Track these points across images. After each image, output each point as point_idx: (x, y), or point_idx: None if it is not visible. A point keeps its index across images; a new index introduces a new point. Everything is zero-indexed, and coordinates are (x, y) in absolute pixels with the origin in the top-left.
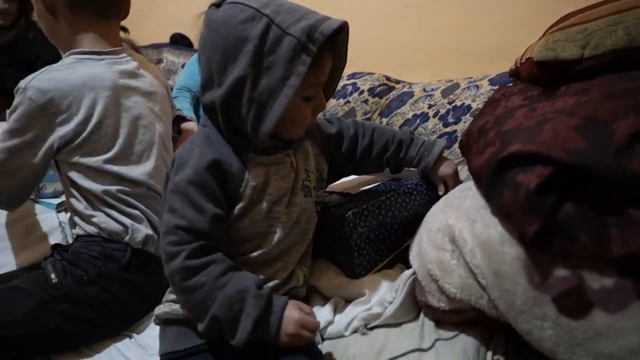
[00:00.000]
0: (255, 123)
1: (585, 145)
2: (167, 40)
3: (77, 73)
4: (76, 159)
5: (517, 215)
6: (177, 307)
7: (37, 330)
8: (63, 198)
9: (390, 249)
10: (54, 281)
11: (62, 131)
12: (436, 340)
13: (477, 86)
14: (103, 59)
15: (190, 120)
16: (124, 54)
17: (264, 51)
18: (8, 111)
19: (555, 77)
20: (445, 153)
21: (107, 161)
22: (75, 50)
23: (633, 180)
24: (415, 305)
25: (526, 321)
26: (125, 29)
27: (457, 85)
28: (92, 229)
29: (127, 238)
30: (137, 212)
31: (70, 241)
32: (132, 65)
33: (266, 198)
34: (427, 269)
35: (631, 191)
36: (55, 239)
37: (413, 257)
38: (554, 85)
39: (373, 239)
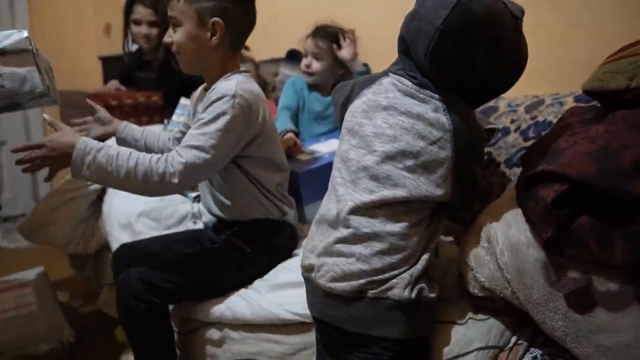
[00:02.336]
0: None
1: (595, 168)
2: (283, 54)
3: (255, 87)
4: (255, 152)
5: (537, 222)
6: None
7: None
8: (198, 192)
9: None
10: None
11: (253, 130)
12: (469, 318)
13: (561, 103)
14: (250, 76)
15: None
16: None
17: None
18: (206, 113)
19: (606, 104)
20: None
21: (274, 156)
22: (240, 70)
23: (635, 200)
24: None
25: (541, 312)
26: (247, 48)
27: (542, 102)
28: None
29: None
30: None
31: (200, 227)
32: None
33: None
34: (465, 260)
35: (635, 209)
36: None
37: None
38: (608, 109)
39: None
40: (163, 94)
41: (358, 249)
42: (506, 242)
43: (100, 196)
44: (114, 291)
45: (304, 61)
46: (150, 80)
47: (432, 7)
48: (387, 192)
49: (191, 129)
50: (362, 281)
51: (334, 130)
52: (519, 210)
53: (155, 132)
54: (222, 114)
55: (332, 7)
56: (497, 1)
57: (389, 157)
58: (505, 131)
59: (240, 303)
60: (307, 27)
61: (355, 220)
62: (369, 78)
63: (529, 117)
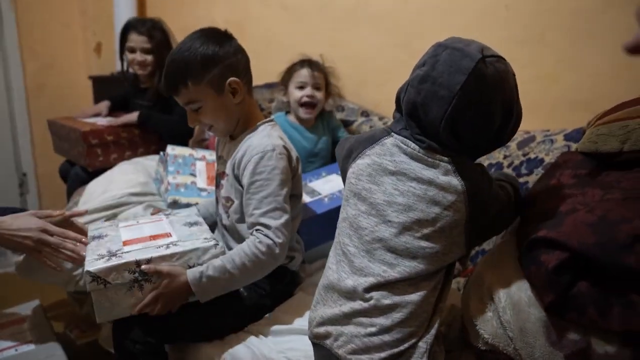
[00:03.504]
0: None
1: (594, 240)
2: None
3: (280, 132)
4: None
5: (538, 286)
6: None
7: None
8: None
9: None
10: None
11: (293, 172)
12: None
13: (552, 140)
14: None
15: None
16: None
17: None
18: (257, 175)
19: (600, 163)
20: None
21: (299, 191)
22: (265, 121)
23: (632, 271)
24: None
25: None
26: None
27: (533, 138)
28: None
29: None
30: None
31: None
32: None
33: None
34: (469, 315)
35: (631, 279)
36: None
37: (464, 300)
38: (601, 166)
39: None
40: None
41: (379, 320)
42: (508, 300)
43: None
44: None
45: (305, 92)
46: (146, 108)
47: (447, 72)
48: (406, 266)
49: (249, 194)
50: (383, 355)
51: (330, 163)
52: (519, 267)
53: (206, 203)
54: (273, 169)
55: (328, 32)
56: (504, 62)
57: (405, 228)
58: (498, 167)
59: (241, 349)
60: (299, 54)
61: (376, 294)
62: (370, 136)
63: (521, 153)
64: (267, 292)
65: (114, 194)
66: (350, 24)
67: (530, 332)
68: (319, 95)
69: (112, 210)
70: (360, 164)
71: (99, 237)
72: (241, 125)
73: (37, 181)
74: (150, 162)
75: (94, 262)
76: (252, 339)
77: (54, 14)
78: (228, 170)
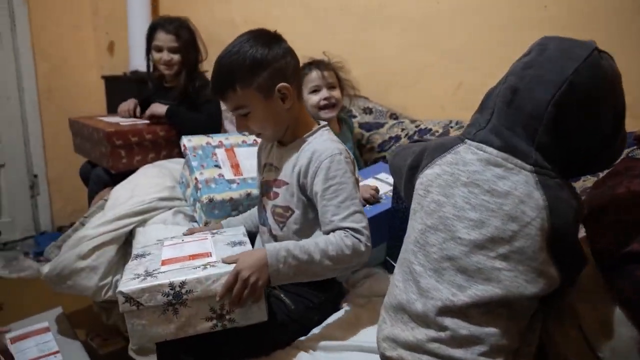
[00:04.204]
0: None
1: None
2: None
3: (335, 136)
4: None
5: (635, 302)
6: None
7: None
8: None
9: None
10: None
11: None
12: None
13: None
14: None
15: None
16: None
17: None
18: (330, 180)
19: None
20: None
21: None
22: (321, 126)
23: None
24: None
25: None
26: None
27: None
28: None
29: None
30: None
31: None
32: None
33: None
34: (552, 337)
35: None
36: None
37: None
38: None
39: None
40: None
41: (458, 353)
42: (593, 319)
43: (127, 238)
44: None
45: (321, 95)
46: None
47: (557, 57)
48: (479, 290)
49: (324, 200)
50: None
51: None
52: (601, 282)
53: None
54: (345, 172)
55: (350, 32)
56: (616, 66)
57: (477, 247)
58: None
59: None
60: (319, 54)
61: (450, 321)
62: (440, 144)
63: None
64: (314, 305)
65: (142, 199)
66: (374, 23)
67: (622, 353)
68: (336, 94)
69: (142, 216)
70: (429, 174)
71: (142, 255)
72: (291, 131)
73: (48, 183)
74: (174, 165)
75: (127, 282)
76: (302, 355)
77: (66, 16)
78: (288, 178)
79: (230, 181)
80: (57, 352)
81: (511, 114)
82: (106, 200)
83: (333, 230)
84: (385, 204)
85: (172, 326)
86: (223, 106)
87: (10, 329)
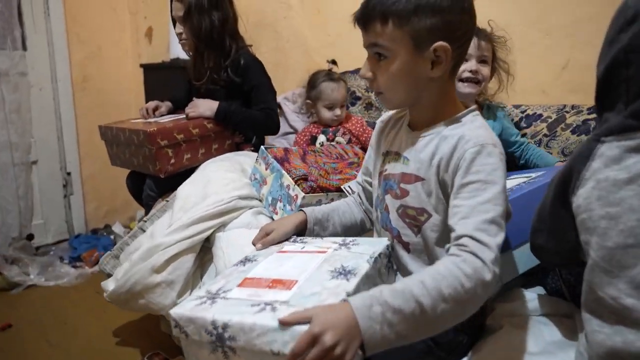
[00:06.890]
0: None
1: None
2: None
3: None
4: None
5: None
6: None
7: None
8: None
9: None
10: None
11: None
12: None
13: None
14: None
15: None
16: None
17: None
18: (472, 175)
19: None
20: None
21: None
22: (471, 109)
23: None
24: None
25: None
26: (334, 62)
27: None
28: None
29: None
30: None
31: None
32: None
33: None
34: None
35: None
36: None
37: None
38: None
39: None
40: None
41: None
42: None
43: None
44: None
45: (469, 65)
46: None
47: None
48: None
49: (458, 199)
50: None
51: None
52: None
53: (340, 205)
54: (495, 169)
55: None
56: None
57: None
58: None
59: None
60: None
61: None
62: (576, 157)
63: None
64: (462, 325)
65: (220, 197)
66: None
67: None
68: (485, 71)
69: (222, 218)
70: (582, 194)
71: (249, 260)
72: (429, 111)
73: (82, 182)
74: (243, 157)
75: (186, 303)
76: None
77: None
78: (423, 172)
79: None
80: None
81: (624, 90)
82: (168, 202)
83: (457, 239)
84: (538, 180)
85: None
86: (280, 95)
87: None
